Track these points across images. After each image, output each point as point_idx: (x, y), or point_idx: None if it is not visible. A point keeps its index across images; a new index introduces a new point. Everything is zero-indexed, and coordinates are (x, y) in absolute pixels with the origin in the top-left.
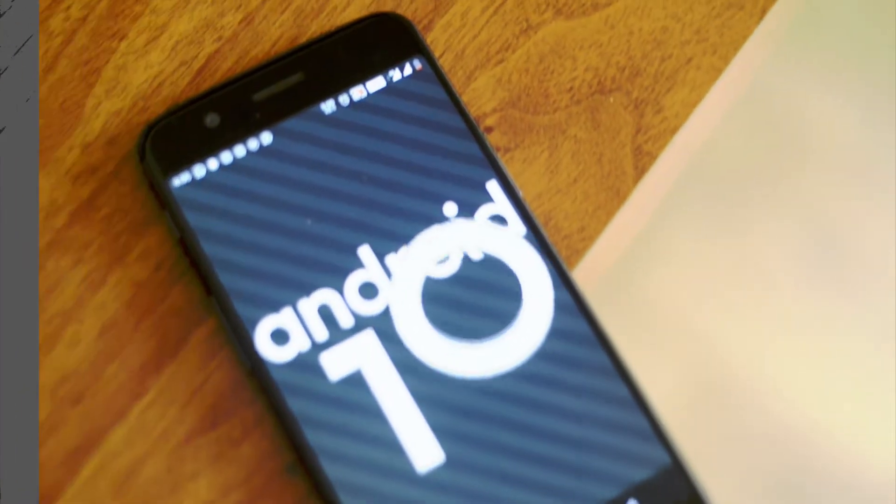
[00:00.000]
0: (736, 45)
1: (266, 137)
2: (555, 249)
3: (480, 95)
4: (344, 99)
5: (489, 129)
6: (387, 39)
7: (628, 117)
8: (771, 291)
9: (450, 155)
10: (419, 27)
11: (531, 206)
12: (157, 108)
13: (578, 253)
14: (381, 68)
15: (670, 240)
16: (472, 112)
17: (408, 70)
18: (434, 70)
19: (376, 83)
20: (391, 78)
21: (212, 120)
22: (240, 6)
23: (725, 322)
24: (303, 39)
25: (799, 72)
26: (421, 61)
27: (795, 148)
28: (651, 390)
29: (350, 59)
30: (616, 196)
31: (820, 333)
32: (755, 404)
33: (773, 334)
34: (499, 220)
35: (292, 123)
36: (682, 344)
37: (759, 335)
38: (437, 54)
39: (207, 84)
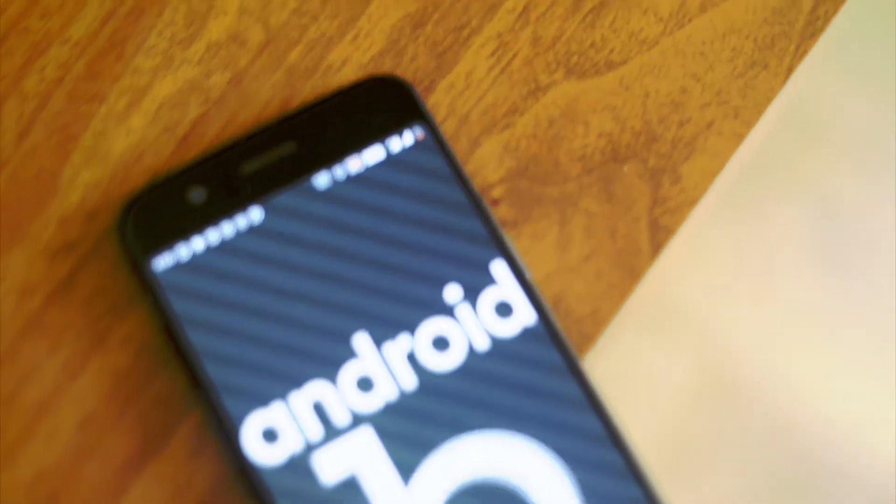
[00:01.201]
0: (759, 108)
1: (255, 214)
2: (566, 339)
3: (486, 164)
4: (339, 172)
5: (495, 202)
6: (385, 104)
7: (644, 188)
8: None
9: (452, 232)
10: (420, 88)
11: (540, 287)
12: (138, 178)
13: (590, 339)
14: (380, 136)
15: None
16: (477, 182)
17: (408, 138)
18: (436, 138)
19: (374, 153)
20: (390, 148)
21: (197, 195)
22: (227, 65)
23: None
24: (296, 101)
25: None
26: (422, 128)
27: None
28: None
29: (346, 126)
30: (630, 274)
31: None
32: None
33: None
34: (505, 307)
35: (284, 199)
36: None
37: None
38: (439, 119)
39: (193, 152)
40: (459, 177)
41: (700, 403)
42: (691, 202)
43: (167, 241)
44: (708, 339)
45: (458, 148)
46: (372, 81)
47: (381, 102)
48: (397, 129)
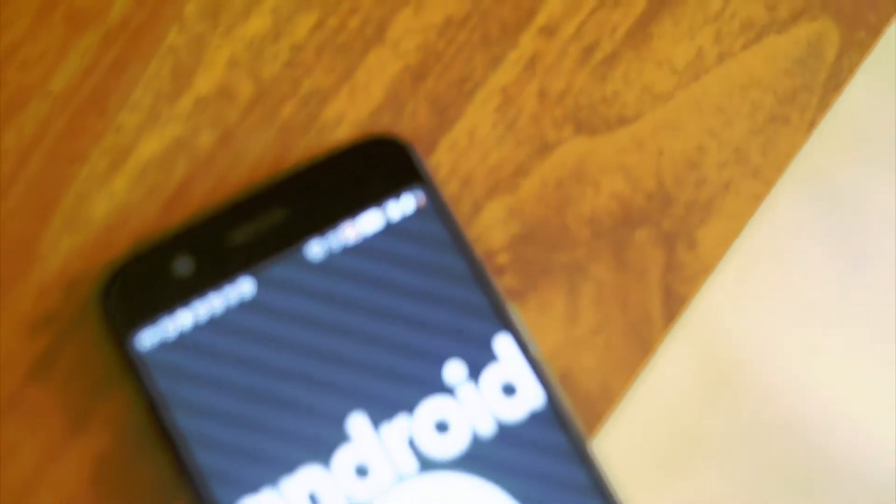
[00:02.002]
0: (780, 166)
1: (246, 286)
2: (575, 422)
3: (489, 229)
4: (334, 240)
5: (499, 270)
6: (383, 166)
7: (657, 254)
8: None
9: (453, 305)
10: (420, 146)
11: (548, 361)
12: (122, 244)
13: (600, 418)
14: (377, 201)
15: None
16: (480, 249)
17: (407, 203)
18: (436, 203)
19: (371, 220)
20: (388, 214)
21: (184, 265)
22: (216, 122)
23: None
24: (288, 159)
25: None
26: (421, 192)
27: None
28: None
29: (341, 190)
30: (642, 347)
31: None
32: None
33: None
34: (510, 386)
35: (276, 270)
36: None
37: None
38: (440, 180)
39: (180, 215)
40: (461, 244)
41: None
42: (707, 269)
43: (152, 315)
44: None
45: (461, 211)
46: (369, 142)
47: (379, 164)
48: (396, 193)
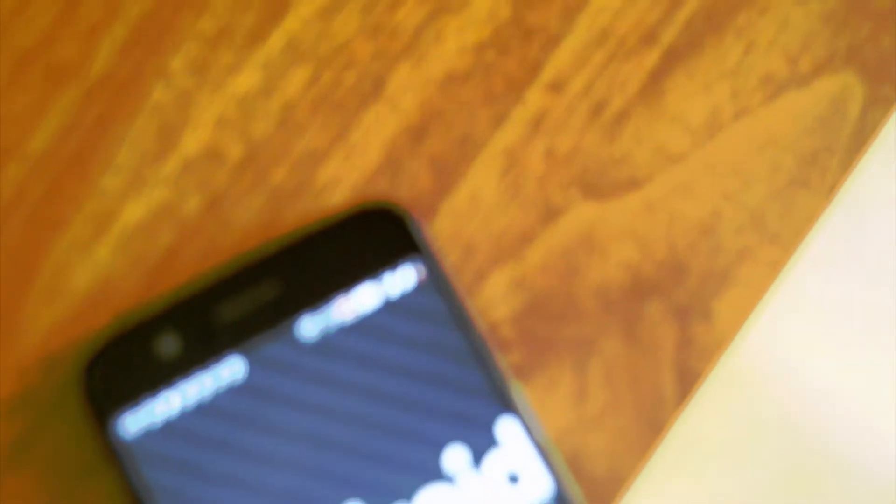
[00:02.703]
0: (799, 233)
1: (235, 367)
2: None
3: (493, 301)
4: (328, 317)
5: (504, 346)
6: (380, 238)
7: (669, 327)
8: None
9: (454, 386)
10: (420, 211)
11: (554, 444)
12: (105, 317)
13: (606, 502)
14: (374, 275)
15: None
16: (484, 322)
17: (405, 277)
18: (436, 276)
19: (367, 295)
20: (385, 289)
21: (170, 345)
22: (205, 186)
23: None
24: (280, 226)
25: None
26: (421, 264)
27: None
28: None
29: (336, 263)
30: (653, 428)
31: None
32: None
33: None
34: (514, 474)
35: (267, 350)
36: None
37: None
38: (441, 248)
39: (165, 285)
40: (462, 319)
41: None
42: (723, 342)
43: (136, 398)
44: None
45: (463, 281)
46: (365, 212)
47: (376, 235)
48: (393, 265)
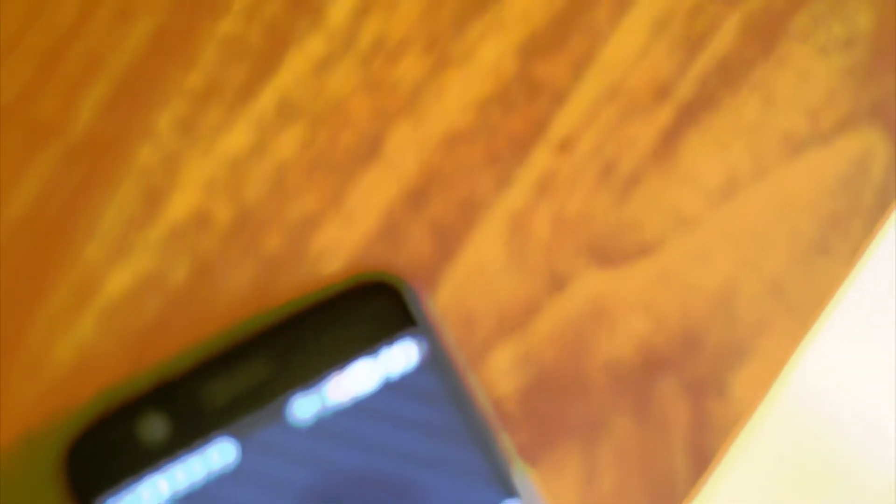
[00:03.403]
0: (820, 302)
1: (226, 451)
2: None
3: (497, 376)
4: (324, 398)
5: (508, 425)
6: (378, 312)
7: (683, 404)
8: None
9: (455, 469)
10: (419, 278)
11: None
12: (88, 393)
13: None
14: (370, 351)
15: None
16: (487, 399)
17: (403, 353)
18: (437, 352)
19: (364, 374)
20: (383, 366)
21: (157, 427)
22: (193, 254)
23: None
24: (273, 295)
25: None
26: (420, 340)
27: None
28: None
29: (331, 340)
30: None
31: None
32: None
33: None
34: None
35: (259, 434)
36: None
37: None
38: (441, 320)
39: (152, 360)
40: (464, 399)
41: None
42: (738, 419)
43: (122, 484)
44: None
45: (465, 355)
46: (361, 286)
47: (372, 309)
48: (391, 341)
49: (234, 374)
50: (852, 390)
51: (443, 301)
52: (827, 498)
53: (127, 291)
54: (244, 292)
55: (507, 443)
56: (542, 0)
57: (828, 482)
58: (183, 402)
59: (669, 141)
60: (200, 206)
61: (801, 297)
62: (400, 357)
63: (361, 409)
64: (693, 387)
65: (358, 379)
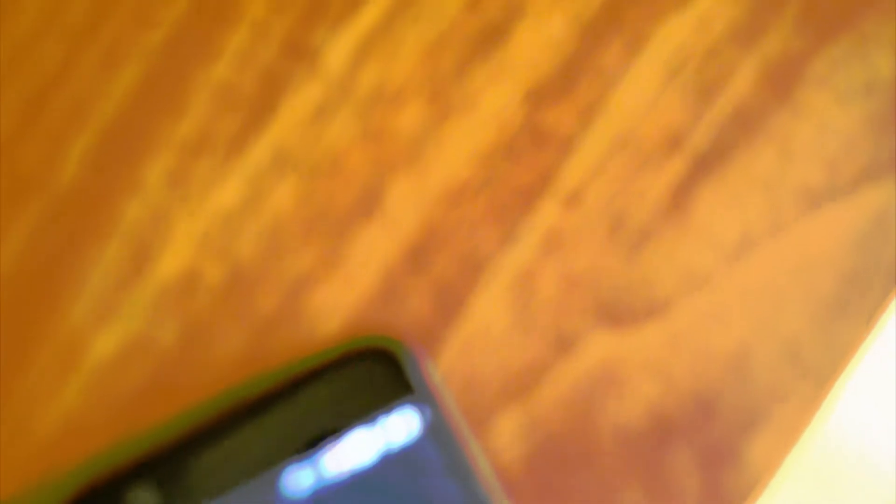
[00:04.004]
0: (837, 366)
1: None
2: None
3: (502, 444)
4: (318, 469)
5: (513, 495)
6: (375, 378)
7: (694, 473)
8: None
9: None
10: (419, 339)
11: None
12: (73, 458)
13: None
14: (368, 420)
15: None
16: (490, 468)
17: (402, 422)
18: (438, 420)
19: (361, 444)
20: (380, 436)
21: (146, 500)
22: (183, 316)
23: None
24: (266, 358)
25: None
26: (421, 408)
27: None
28: None
29: (326, 408)
30: None
31: None
32: None
33: None
34: None
35: None
36: None
37: None
38: (442, 385)
39: (140, 427)
40: (466, 470)
41: None
42: (753, 489)
43: None
44: None
45: (468, 421)
46: (358, 352)
47: (370, 376)
48: (389, 409)
49: (225, 443)
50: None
51: (445, 364)
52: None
53: (114, 355)
54: (236, 356)
55: None
56: (549, 43)
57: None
58: (172, 472)
59: (681, 194)
60: (191, 264)
61: (818, 360)
62: (399, 426)
63: (358, 481)
64: (705, 455)
65: (355, 450)
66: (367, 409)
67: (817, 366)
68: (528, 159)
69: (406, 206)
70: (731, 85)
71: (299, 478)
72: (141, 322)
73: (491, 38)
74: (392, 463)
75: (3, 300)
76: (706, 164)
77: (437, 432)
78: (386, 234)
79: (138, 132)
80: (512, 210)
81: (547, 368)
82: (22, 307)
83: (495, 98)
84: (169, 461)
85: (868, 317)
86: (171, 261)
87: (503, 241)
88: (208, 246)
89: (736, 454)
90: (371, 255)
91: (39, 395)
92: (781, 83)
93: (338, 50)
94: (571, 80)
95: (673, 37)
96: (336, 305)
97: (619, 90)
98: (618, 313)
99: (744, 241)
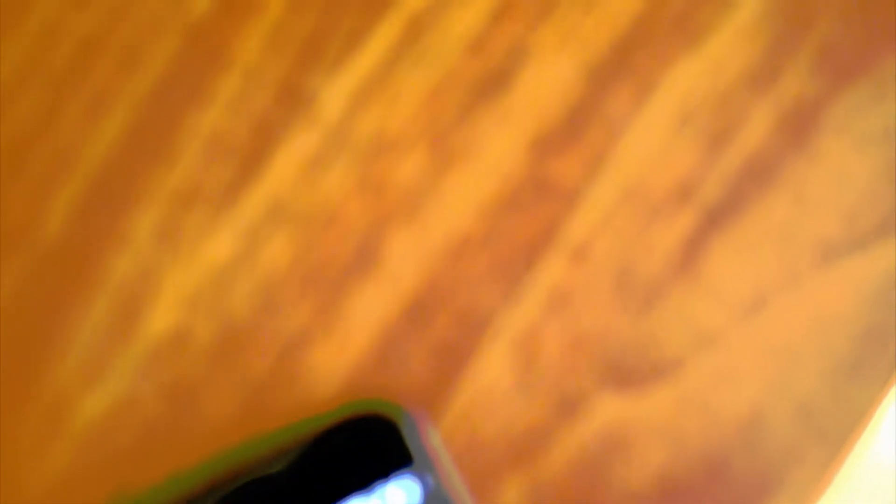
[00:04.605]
0: (853, 428)
1: None
2: None
3: None
4: None
5: None
6: (372, 444)
7: None
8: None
9: None
10: (419, 405)
11: None
12: None
13: None
14: (363, 489)
15: None
16: None
17: (400, 491)
18: (437, 489)
19: None
20: None
21: None
22: (172, 376)
23: None
24: (258, 424)
25: None
26: (420, 475)
27: None
28: None
29: (320, 476)
30: None
31: None
32: None
33: None
34: None
35: None
36: None
37: None
38: (442, 451)
39: (127, 487)
40: None
41: None
42: None
43: None
44: None
45: (469, 489)
46: (355, 417)
47: (366, 442)
48: (386, 477)
49: None
50: None
51: (445, 427)
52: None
53: (102, 416)
54: (228, 418)
55: None
56: (555, 89)
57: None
58: None
59: (692, 248)
60: (182, 322)
61: (833, 423)
62: (398, 495)
63: None
64: None
65: None
66: (364, 476)
67: (832, 428)
68: (532, 211)
69: (405, 261)
70: (743, 132)
71: None
72: (129, 382)
73: (495, 83)
74: None
75: None
76: (718, 216)
77: (437, 501)
78: (384, 291)
79: (126, 183)
80: (515, 265)
81: (552, 432)
82: (7, 366)
83: (499, 147)
84: None
85: (885, 378)
86: (161, 318)
87: (506, 298)
88: (199, 303)
89: None
90: (369, 312)
91: (26, 456)
92: (796, 129)
93: (335, 96)
94: (578, 127)
95: (683, 81)
96: (332, 366)
97: (628, 138)
98: (625, 374)
99: (756, 298)
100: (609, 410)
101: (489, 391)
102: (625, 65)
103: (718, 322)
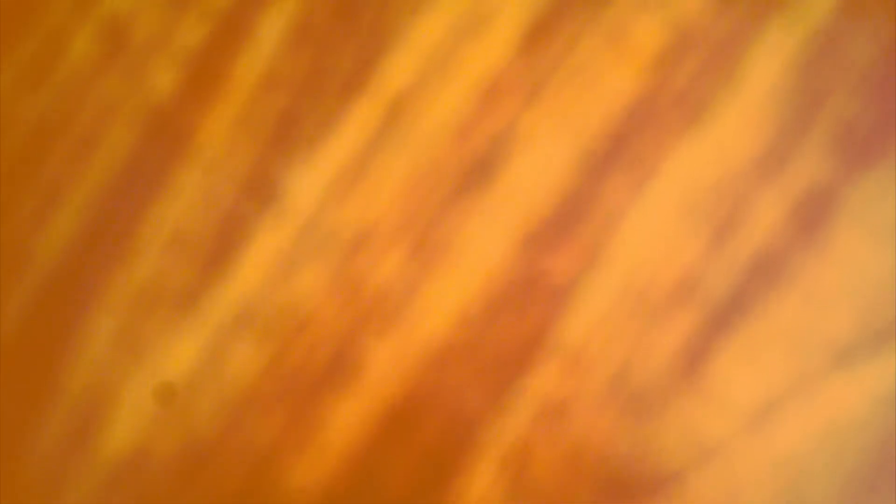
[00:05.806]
0: None
1: None
2: None
3: None
4: None
5: None
6: None
7: None
8: None
9: None
10: None
11: None
12: None
13: None
14: None
15: None
16: None
17: None
18: None
19: None
20: None
21: None
22: (131, 495)
23: None
24: None
25: None
26: None
27: None
28: None
29: None
30: None
31: None
32: None
33: None
34: None
35: None
36: None
37: None
38: None
39: None
40: None
41: None
42: None
43: None
44: None
45: None
46: None
47: None
48: None
49: None
50: None
51: None
52: None
53: None
54: None
55: None
56: (544, 177)
57: None
58: None
59: (694, 351)
60: (142, 439)
61: None
62: None
63: None
64: None
65: None
66: None
67: None
68: (521, 312)
69: (384, 369)
70: (750, 223)
71: None
72: None
73: (481, 171)
74: None
75: None
76: (722, 316)
77: None
78: (361, 404)
79: (81, 285)
80: (504, 371)
81: None
82: None
83: (485, 243)
84: None
85: None
86: (120, 435)
87: (494, 410)
88: (161, 417)
89: None
90: (346, 425)
91: None
92: (807, 219)
93: (307, 186)
94: (570, 219)
95: (685, 167)
96: (306, 485)
97: (625, 231)
98: (622, 488)
99: (763, 406)
100: None
101: None
102: (622, 150)
103: (722, 431)
